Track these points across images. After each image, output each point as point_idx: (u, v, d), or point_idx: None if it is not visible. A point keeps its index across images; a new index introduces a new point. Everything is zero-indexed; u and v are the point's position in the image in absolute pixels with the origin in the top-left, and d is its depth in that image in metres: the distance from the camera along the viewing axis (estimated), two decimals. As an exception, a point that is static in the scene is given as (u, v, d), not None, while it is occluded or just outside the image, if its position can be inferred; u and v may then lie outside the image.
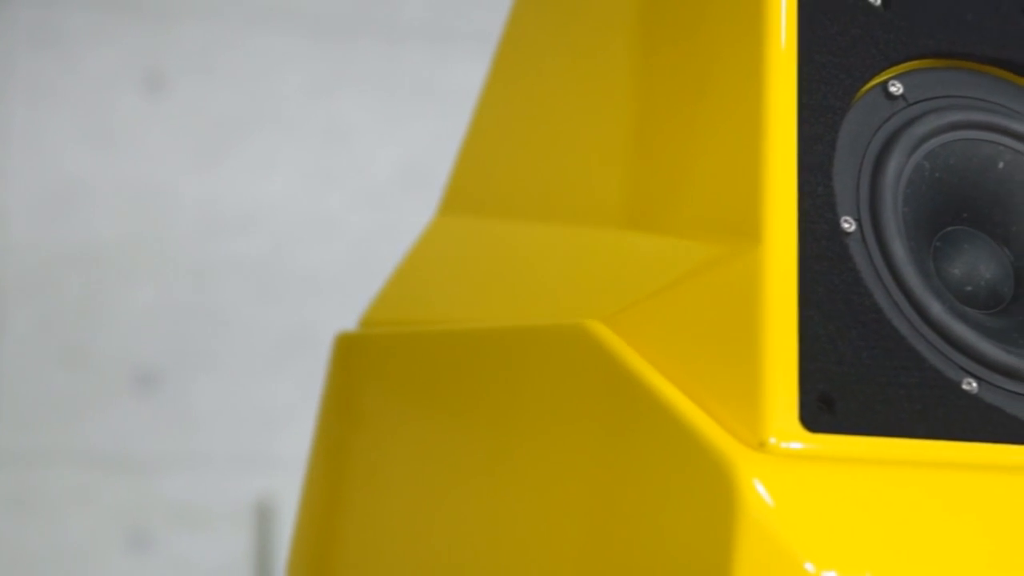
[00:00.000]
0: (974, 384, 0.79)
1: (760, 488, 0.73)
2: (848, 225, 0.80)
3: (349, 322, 1.09)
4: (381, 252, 1.57)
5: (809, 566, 0.72)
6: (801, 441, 0.75)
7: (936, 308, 0.80)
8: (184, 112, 2.03)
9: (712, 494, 0.74)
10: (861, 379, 0.77)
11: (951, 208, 0.85)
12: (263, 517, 2.00)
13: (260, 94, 2.06)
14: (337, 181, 2.08)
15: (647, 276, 0.85)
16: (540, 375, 0.88)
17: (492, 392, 0.92)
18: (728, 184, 0.82)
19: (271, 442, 2.02)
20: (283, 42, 2.07)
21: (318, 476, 1.06)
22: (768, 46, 0.81)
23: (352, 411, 1.05)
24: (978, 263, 0.84)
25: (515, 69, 1.05)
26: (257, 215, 2.05)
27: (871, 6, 0.85)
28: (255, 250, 2.04)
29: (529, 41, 1.04)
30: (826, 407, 0.76)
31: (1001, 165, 0.85)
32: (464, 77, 1.39)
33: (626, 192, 0.91)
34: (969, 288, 0.84)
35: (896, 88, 0.84)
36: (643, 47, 0.93)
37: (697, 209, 0.84)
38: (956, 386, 0.79)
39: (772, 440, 0.75)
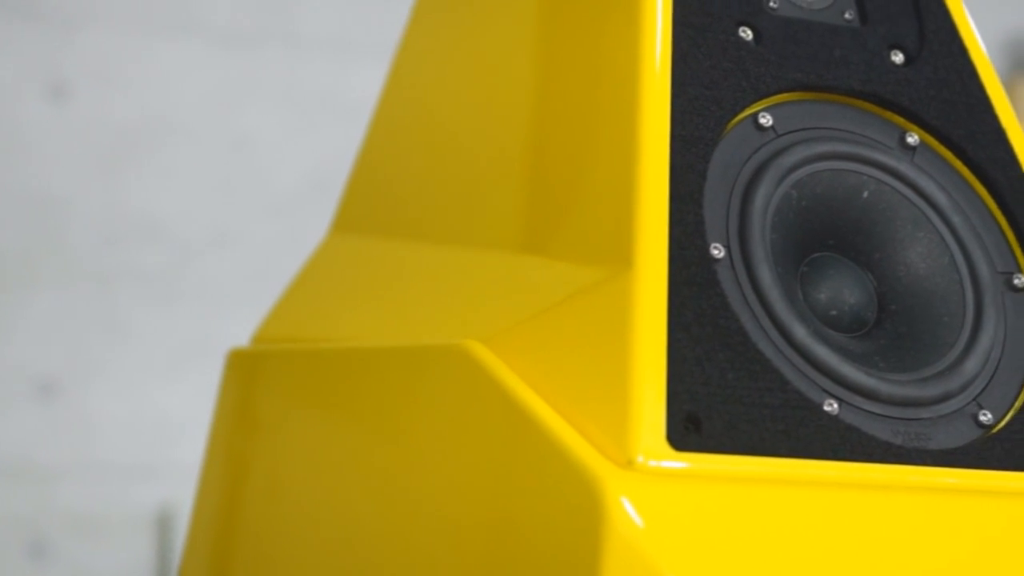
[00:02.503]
0: (835, 405, 0.82)
1: (627, 505, 0.75)
2: (717, 251, 0.83)
3: (250, 332, 1.10)
4: (283, 262, 1.58)
5: (673, 580, 0.75)
6: (668, 459, 0.77)
7: (800, 332, 0.82)
8: (86, 120, 2.03)
9: (581, 511, 0.76)
10: (727, 400, 0.79)
11: (818, 235, 0.87)
12: (162, 526, 2.01)
13: (163, 103, 2.06)
14: (240, 191, 2.08)
15: (528, 298, 0.87)
16: (424, 392, 0.90)
17: (381, 408, 0.94)
18: (603, 210, 0.84)
19: (171, 451, 2.02)
20: (186, 52, 2.07)
21: (211, 487, 1.08)
22: (642, 78, 0.84)
23: (245, 424, 1.06)
24: (843, 288, 0.87)
25: (408, 86, 1.06)
26: (159, 225, 2.05)
27: (743, 41, 0.87)
28: (157, 259, 2.04)
29: (423, 59, 1.06)
30: (693, 426, 0.78)
31: (866, 194, 0.88)
32: (367, 87, 1.40)
33: (513, 215, 0.93)
34: (834, 312, 0.86)
35: (766, 120, 0.87)
36: (536, 71, 0.95)
37: (576, 234, 0.87)
38: (818, 407, 0.81)
39: (640, 458, 0.77)
